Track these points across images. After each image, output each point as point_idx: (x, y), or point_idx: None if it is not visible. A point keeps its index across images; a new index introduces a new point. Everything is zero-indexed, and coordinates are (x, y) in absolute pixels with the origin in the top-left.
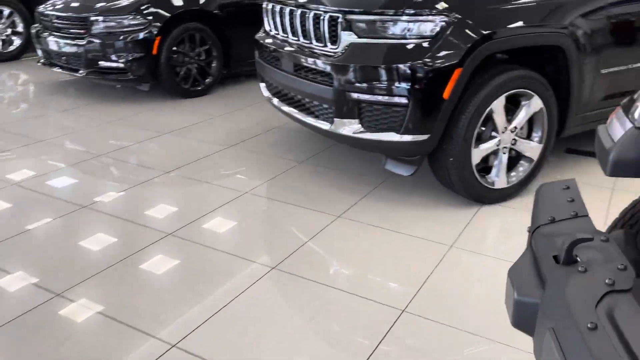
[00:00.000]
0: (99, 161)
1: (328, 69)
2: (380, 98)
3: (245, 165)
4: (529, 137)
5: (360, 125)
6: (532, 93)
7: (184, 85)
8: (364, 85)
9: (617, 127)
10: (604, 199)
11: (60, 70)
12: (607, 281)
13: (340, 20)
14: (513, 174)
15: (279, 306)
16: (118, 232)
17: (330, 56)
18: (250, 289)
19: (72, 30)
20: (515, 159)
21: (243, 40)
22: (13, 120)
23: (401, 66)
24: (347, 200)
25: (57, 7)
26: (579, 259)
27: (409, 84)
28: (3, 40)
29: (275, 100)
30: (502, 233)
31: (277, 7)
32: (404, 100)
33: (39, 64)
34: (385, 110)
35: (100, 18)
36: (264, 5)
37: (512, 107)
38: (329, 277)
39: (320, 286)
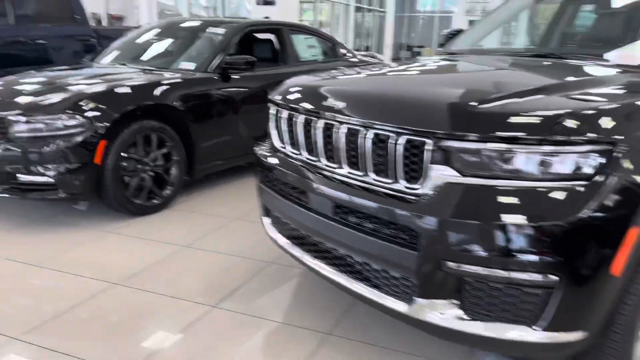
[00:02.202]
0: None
1: (404, 220)
2: (502, 273)
3: None
4: None
5: (462, 310)
6: None
7: (135, 200)
8: (473, 251)
9: None
10: None
11: None
12: None
13: (429, 147)
14: None
15: None
16: None
17: (406, 200)
18: None
19: None
20: None
21: (210, 138)
22: None
23: (544, 224)
24: None
25: None
26: None
27: (559, 253)
28: None
29: (294, 248)
30: None
31: (300, 118)
32: (548, 278)
33: None
34: (510, 292)
35: (23, 118)
36: (271, 111)
37: None
38: None
39: None
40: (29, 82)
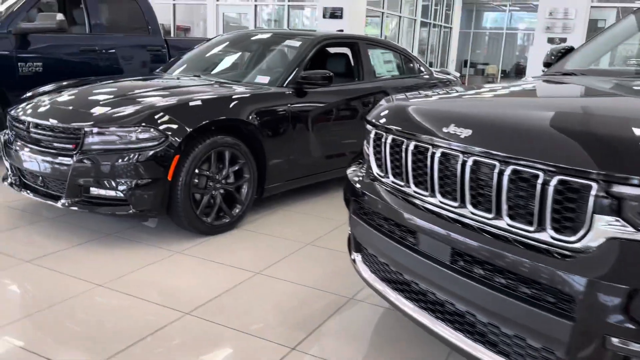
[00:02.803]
0: None
1: (553, 279)
2: None
3: None
4: None
5: None
6: None
7: (205, 219)
8: None
9: None
10: None
11: (32, 195)
12: None
13: (595, 192)
14: None
15: None
16: None
17: (556, 255)
18: None
19: (56, 144)
20: None
21: (283, 156)
22: None
23: None
24: None
25: (38, 111)
26: None
27: None
28: None
29: (391, 293)
30: None
31: (409, 145)
32: None
33: (4, 183)
34: None
35: (96, 129)
36: (370, 135)
37: None
38: None
39: None
40: (102, 93)
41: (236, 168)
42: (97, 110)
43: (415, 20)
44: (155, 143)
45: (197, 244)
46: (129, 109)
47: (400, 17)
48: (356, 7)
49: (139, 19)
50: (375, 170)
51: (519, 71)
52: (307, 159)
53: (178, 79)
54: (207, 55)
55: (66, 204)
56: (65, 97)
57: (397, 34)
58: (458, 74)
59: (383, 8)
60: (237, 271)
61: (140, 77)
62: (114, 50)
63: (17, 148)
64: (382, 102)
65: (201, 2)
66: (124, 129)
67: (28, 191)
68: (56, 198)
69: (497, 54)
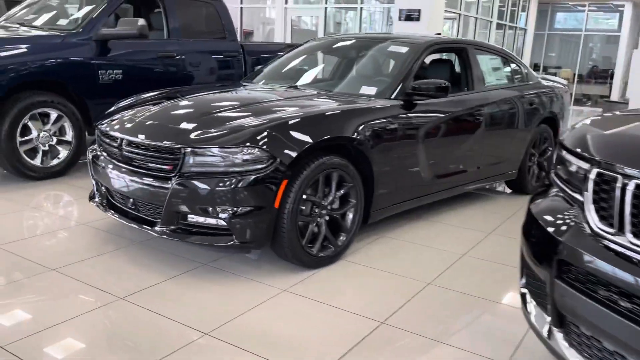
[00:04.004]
0: None
1: None
2: None
3: None
4: None
5: None
6: None
7: (310, 250)
8: None
9: None
10: None
11: (120, 218)
12: None
13: None
14: None
15: None
16: None
17: None
18: None
19: (150, 165)
20: None
21: (391, 177)
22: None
23: None
24: None
25: (131, 127)
26: None
27: None
28: (44, 152)
29: None
30: None
31: None
32: None
33: (91, 202)
34: None
35: (198, 150)
36: (590, 174)
37: None
38: None
39: None
40: (198, 107)
41: (342, 192)
42: (197, 128)
43: (491, 22)
44: (262, 166)
45: (302, 280)
46: (231, 127)
47: (476, 18)
48: (434, 9)
49: (215, 23)
50: (595, 223)
51: (596, 75)
52: (417, 179)
53: (272, 90)
54: (298, 63)
55: (162, 232)
56: (160, 111)
57: (471, 36)
58: (565, 81)
59: (460, 9)
60: (358, 319)
61: (231, 88)
62: (191, 57)
63: (107, 166)
64: (586, 126)
65: (269, 5)
66: (228, 149)
67: (116, 213)
68: (149, 223)
69: (573, 57)
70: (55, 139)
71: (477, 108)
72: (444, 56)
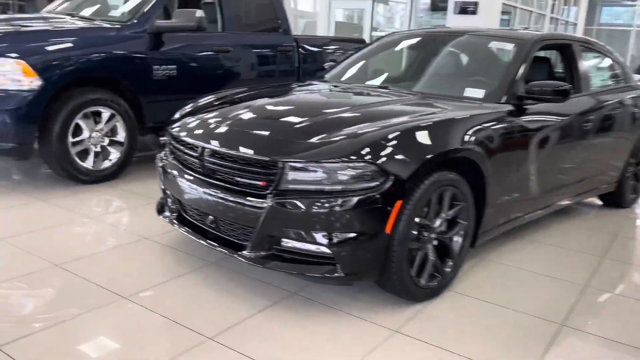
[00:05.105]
0: None
1: None
2: None
3: None
4: None
5: None
6: None
7: (418, 281)
8: None
9: None
10: None
11: (195, 237)
12: None
13: None
14: None
15: None
16: None
17: None
18: None
19: (241, 179)
20: None
21: (503, 192)
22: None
23: None
24: None
25: (216, 133)
26: None
27: None
28: (96, 153)
29: None
30: None
31: None
32: None
33: (161, 217)
34: None
35: (299, 164)
36: None
37: None
38: None
39: None
40: (289, 111)
41: (452, 212)
42: (297, 137)
43: (544, 15)
44: (375, 183)
45: (411, 318)
46: (335, 137)
47: (531, 12)
48: (493, 1)
49: (269, 15)
50: None
51: None
52: (528, 194)
53: (367, 91)
54: (381, 60)
55: (253, 259)
56: (249, 116)
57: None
58: None
59: (517, 2)
60: None
61: (319, 88)
62: (247, 51)
63: (182, 177)
64: None
65: None
66: (335, 164)
67: (190, 230)
68: (234, 246)
69: (622, 53)
70: (107, 140)
71: (586, 113)
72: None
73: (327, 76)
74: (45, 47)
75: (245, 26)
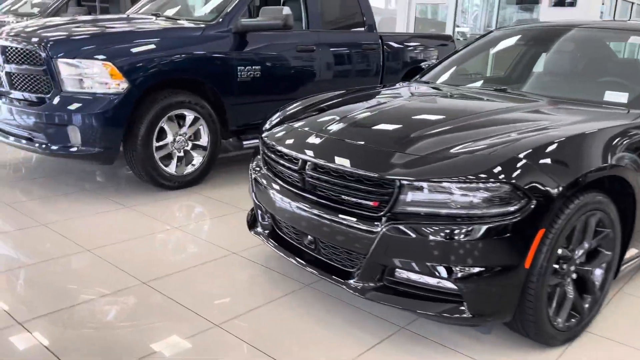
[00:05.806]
0: None
1: None
2: None
3: None
4: None
5: None
6: None
7: (556, 321)
8: None
9: None
10: None
11: (290, 258)
12: None
13: None
14: None
15: None
16: None
17: None
18: None
19: (348, 197)
20: None
21: None
22: None
23: None
24: None
25: (319, 144)
26: None
27: None
28: (179, 158)
29: None
30: None
31: None
32: None
33: (252, 233)
34: None
35: (420, 184)
36: None
37: None
38: None
39: None
40: (399, 118)
41: (595, 241)
42: (414, 151)
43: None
44: (514, 207)
45: None
46: (460, 151)
47: (632, 3)
48: None
49: (354, 11)
50: None
51: None
52: None
53: (483, 97)
54: (487, 58)
55: (361, 290)
56: (356, 125)
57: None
58: None
59: None
60: None
61: (426, 92)
62: (332, 50)
63: (276, 190)
64: None
65: None
66: (463, 184)
67: (286, 251)
68: (337, 272)
69: None
70: (190, 144)
71: None
72: None
73: (427, 77)
74: (131, 49)
75: (329, 23)
